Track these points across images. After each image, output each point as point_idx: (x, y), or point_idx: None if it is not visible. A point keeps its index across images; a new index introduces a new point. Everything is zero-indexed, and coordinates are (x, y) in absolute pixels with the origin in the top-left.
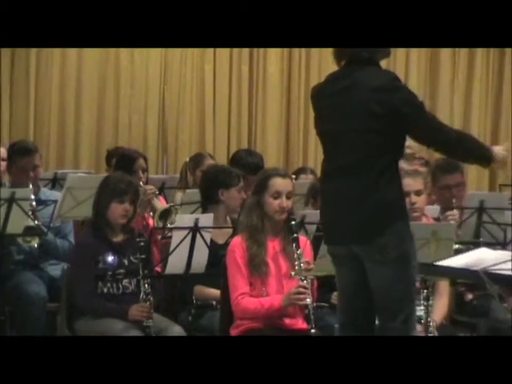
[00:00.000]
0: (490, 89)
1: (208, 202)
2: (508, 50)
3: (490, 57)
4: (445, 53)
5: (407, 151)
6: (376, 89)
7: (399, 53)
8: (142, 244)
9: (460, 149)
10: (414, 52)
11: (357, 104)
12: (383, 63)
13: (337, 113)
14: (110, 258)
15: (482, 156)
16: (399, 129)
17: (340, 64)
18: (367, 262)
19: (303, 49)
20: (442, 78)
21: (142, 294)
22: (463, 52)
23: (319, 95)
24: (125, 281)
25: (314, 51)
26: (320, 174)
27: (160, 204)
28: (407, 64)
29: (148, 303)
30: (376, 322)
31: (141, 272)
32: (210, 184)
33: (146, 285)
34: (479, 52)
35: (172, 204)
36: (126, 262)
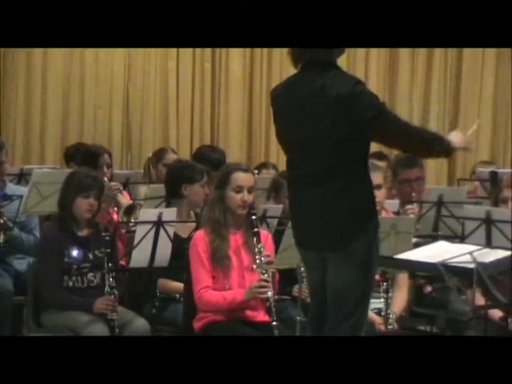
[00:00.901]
0: (448, 88)
1: (172, 197)
2: (466, 49)
3: (448, 56)
4: (404, 52)
5: None
6: (340, 97)
7: (359, 53)
8: (107, 238)
9: (423, 148)
10: (374, 50)
11: (321, 112)
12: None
13: (301, 121)
14: (75, 252)
15: (443, 151)
16: (364, 135)
17: (297, 67)
18: (333, 264)
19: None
20: (401, 77)
21: (106, 287)
22: (421, 52)
23: (280, 101)
24: (90, 275)
25: (276, 48)
26: (287, 182)
27: (125, 199)
28: (367, 63)
29: (112, 296)
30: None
31: (105, 266)
32: (174, 179)
33: (111, 279)
34: (438, 51)
35: (136, 200)
36: (91, 256)
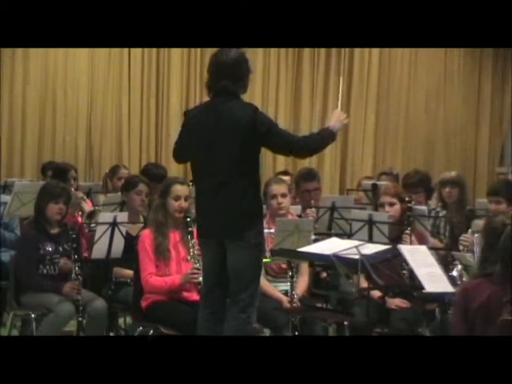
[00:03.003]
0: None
1: (124, 203)
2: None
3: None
4: (306, 52)
5: None
6: (241, 121)
7: (272, 51)
8: (74, 236)
9: (312, 150)
10: (283, 51)
11: (226, 133)
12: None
13: (210, 140)
14: (48, 246)
15: (328, 139)
16: (258, 153)
17: (209, 95)
18: (229, 248)
19: (198, 81)
20: (305, 76)
21: (73, 274)
22: (322, 51)
23: (192, 123)
24: (61, 261)
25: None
26: (196, 190)
27: (87, 206)
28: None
29: (77, 281)
30: None
31: (72, 257)
32: (121, 189)
33: (76, 268)
34: (334, 50)
35: (96, 206)
36: (61, 249)
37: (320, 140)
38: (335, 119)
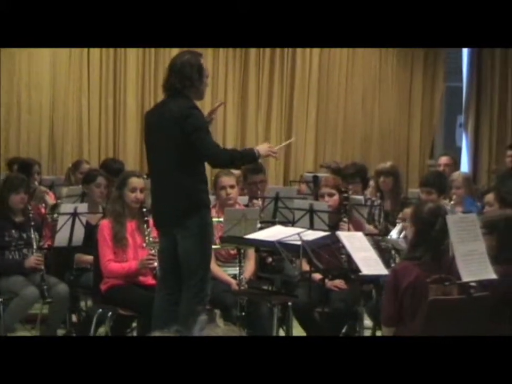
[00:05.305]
0: (284, 110)
1: (85, 194)
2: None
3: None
4: (252, 53)
5: None
6: (178, 116)
7: (221, 53)
8: (37, 225)
9: (226, 162)
10: (230, 53)
11: (168, 127)
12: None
13: (157, 133)
14: (13, 233)
15: (248, 159)
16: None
17: (164, 94)
18: (178, 237)
19: (152, 81)
20: (251, 77)
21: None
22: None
23: (148, 117)
24: (24, 250)
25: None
26: (151, 180)
27: (50, 199)
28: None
29: (41, 254)
30: None
31: (35, 245)
32: (81, 182)
33: (40, 254)
34: (278, 50)
35: (59, 198)
36: (25, 236)
37: (238, 157)
38: (265, 147)
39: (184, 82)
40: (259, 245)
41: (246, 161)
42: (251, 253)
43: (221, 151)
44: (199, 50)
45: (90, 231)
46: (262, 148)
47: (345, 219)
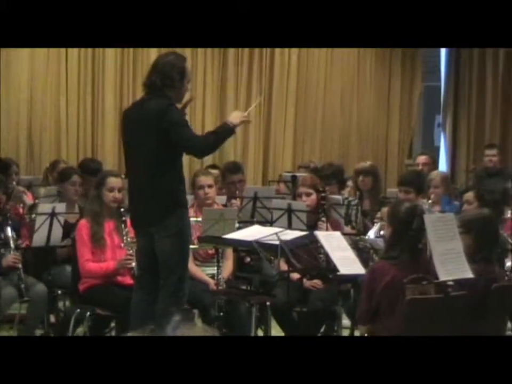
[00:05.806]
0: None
1: (61, 193)
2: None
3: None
4: (231, 52)
5: None
6: (157, 114)
7: (200, 52)
8: (15, 225)
9: (211, 148)
10: (209, 52)
11: (147, 125)
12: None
13: (136, 130)
14: None
15: (226, 134)
16: (175, 146)
17: (143, 92)
18: (155, 236)
19: (131, 80)
20: (230, 75)
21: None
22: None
23: (126, 115)
24: (2, 250)
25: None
26: (128, 180)
27: (28, 199)
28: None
29: (18, 253)
30: None
31: (12, 244)
32: (56, 181)
33: (17, 253)
34: (257, 49)
35: (37, 198)
36: (2, 235)
37: (217, 138)
38: (236, 115)
39: (165, 81)
40: (237, 245)
41: (226, 137)
42: (229, 252)
43: (201, 140)
44: (178, 50)
45: (68, 230)
46: (233, 118)
47: (323, 219)
